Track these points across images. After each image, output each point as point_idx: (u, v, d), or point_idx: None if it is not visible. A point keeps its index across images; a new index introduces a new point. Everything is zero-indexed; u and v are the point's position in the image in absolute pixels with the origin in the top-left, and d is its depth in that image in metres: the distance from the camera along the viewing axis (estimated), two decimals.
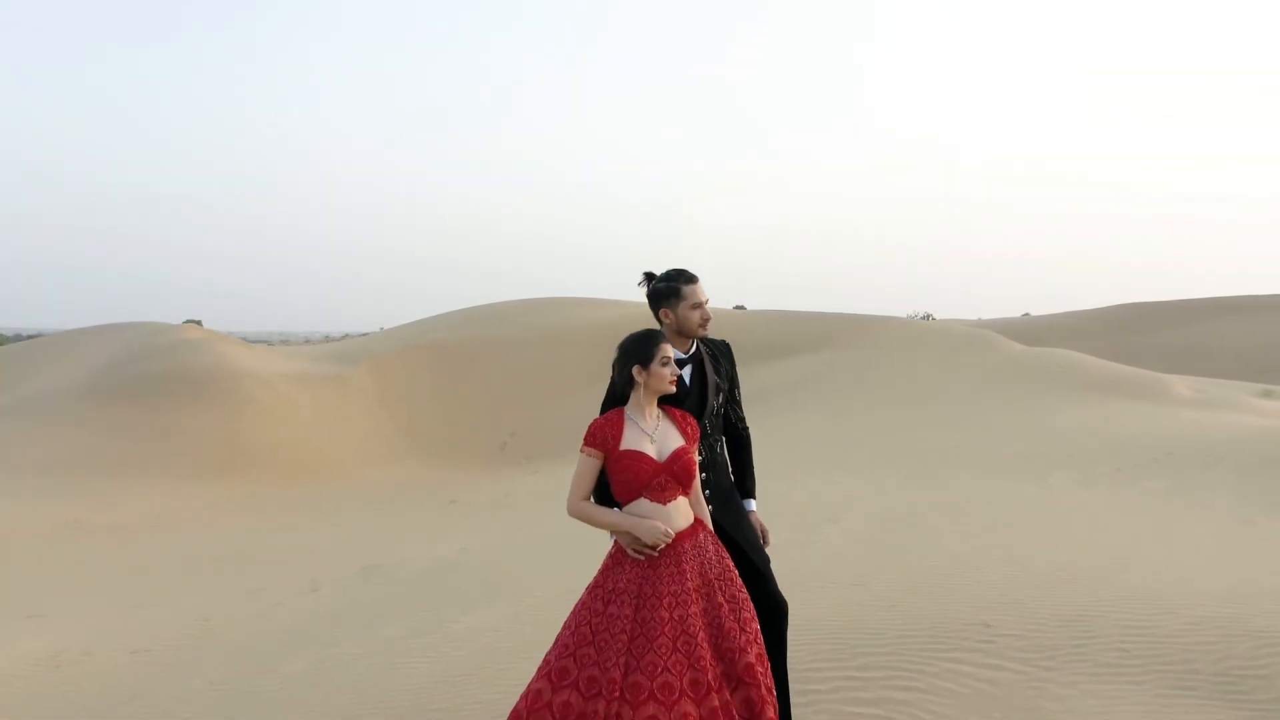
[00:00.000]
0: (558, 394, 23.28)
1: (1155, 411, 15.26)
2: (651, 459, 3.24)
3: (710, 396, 3.64)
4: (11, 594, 10.31)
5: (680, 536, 3.23)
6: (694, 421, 3.43)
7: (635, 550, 3.20)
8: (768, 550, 3.73)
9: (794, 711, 3.84)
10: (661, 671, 3.03)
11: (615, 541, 3.28)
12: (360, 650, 6.36)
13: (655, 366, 3.30)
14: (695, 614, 3.14)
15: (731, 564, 3.35)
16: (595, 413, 3.49)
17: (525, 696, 3.13)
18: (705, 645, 3.11)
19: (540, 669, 3.16)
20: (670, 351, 3.35)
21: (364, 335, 35.95)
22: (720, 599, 3.21)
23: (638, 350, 3.32)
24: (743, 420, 3.85)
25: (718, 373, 3.72)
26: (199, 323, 35.37)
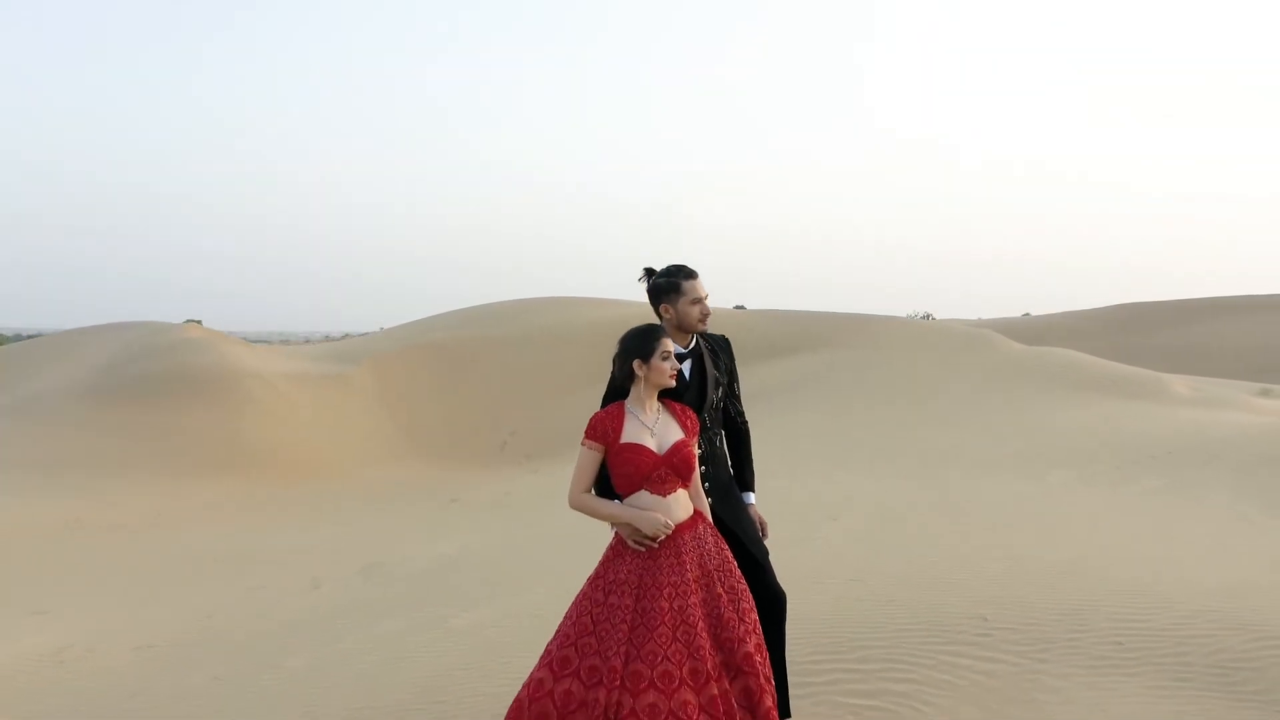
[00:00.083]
0: (558, 393, 23.31)
1: (1154, 410, 15.29)
2: (651, 452, 3.29)
3: (710, 391, 3.70)
4: (14, 592, 10.35)
5: (680, 528, 3.28)
6: (693, 415, 3.48)
7: (635, 542, 3.25)
8: (766, 543, 3.78)
9: (793, 703, 3.88)
10: (661, 660, 3.08)
11: (616, 533, 3.33)
12: (362, 646, 6.41)
13: (655, 361, 3.34)
14: (695, 604, 3.18)
15: (730, 555, 3.40)
16: (595, 411, 3.53)
17: (527, 685, 3.18)
18: (705, 635, 3.16)
19: (542, 658, 3.21)
20: (670, 346, 3.40)
21: (364, 335, 36.00)
22: (719, 590, 3.26)
23: (638, 345, 3.36)
24: (742, 414, 3.90)
25: (717, 367, 3.77)
26: (199, 322, 35.39)
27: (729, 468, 3.81)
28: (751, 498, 3.83)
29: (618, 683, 3.05)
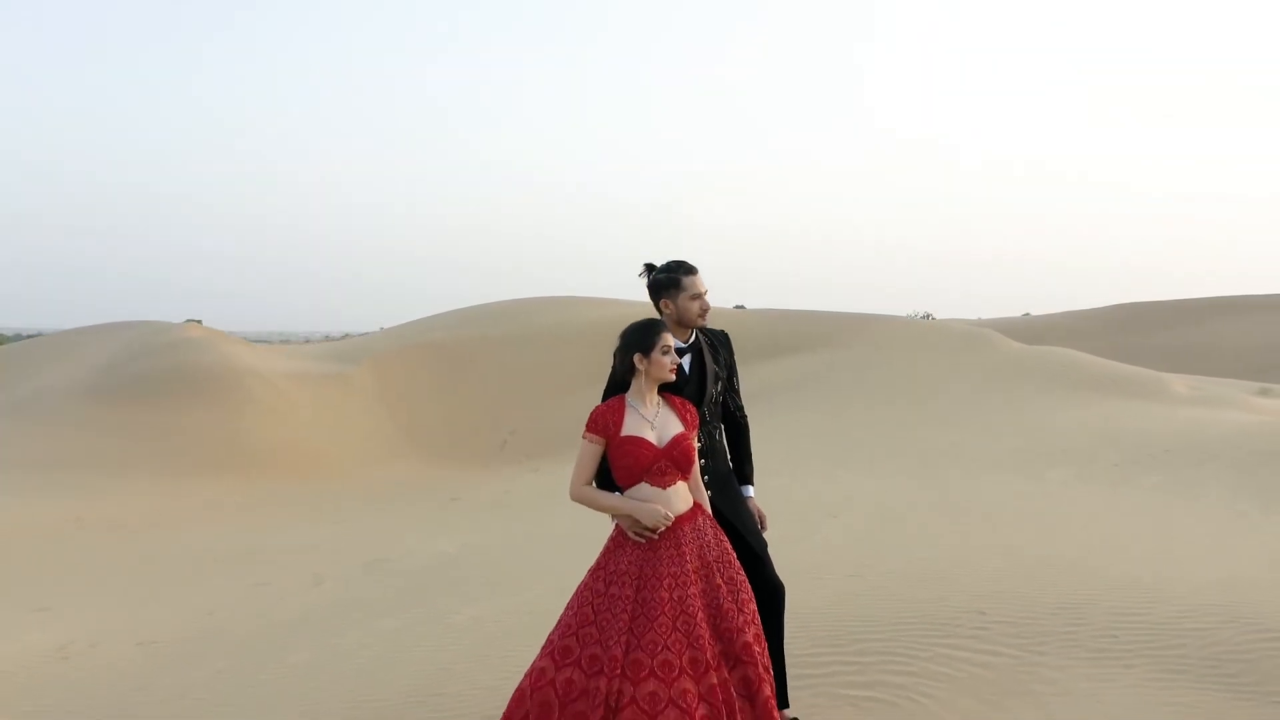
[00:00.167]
0: (558, 393, 23.34)
1: (1153, 409, 15.33)
2: (652, 445, 3.33)
3: (709, 385, 3.74)
4: (16, 590, 10.38)
5: (680, 520, 3.32)
6: (693, 409, 3.52)
7: (636, 533, 3.28)
8: (765, 535, 3.82)
9: (791, 694, 3.93)
10: (662, 649, 3.12)
11: (616, 525, 3.37)
12: (364, 641, 6.45)
13: (656, 355, 3.39)
14: (694, 595, 3.23)
15: (730, 547, 3.44)
16: (596, 405, 3.57)
17: (529, 674, 3.22)
18: (704, 625, 3.20)
19: (544, 648, 3.25)
20: (670, 341, 3.44)
21: (364, 335, 36.04)
22: (719, 580, 3.30)
23: (639, 339, 3.41)
24: (741, 408, 3.94)
25: (716, 362, 3.81)
26: (199, 322, 35.42)
27: (728, 461, 3.85)
28: (750, 491, 3.87)
29: (618, 671, 3.09)
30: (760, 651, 3.28)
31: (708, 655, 3.15)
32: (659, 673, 3.09)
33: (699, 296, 3.75)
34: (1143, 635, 4.63)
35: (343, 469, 19.87)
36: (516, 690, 3.23)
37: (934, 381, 18.51)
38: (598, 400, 3.66)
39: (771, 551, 3.81)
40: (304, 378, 23.01)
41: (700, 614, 3.21)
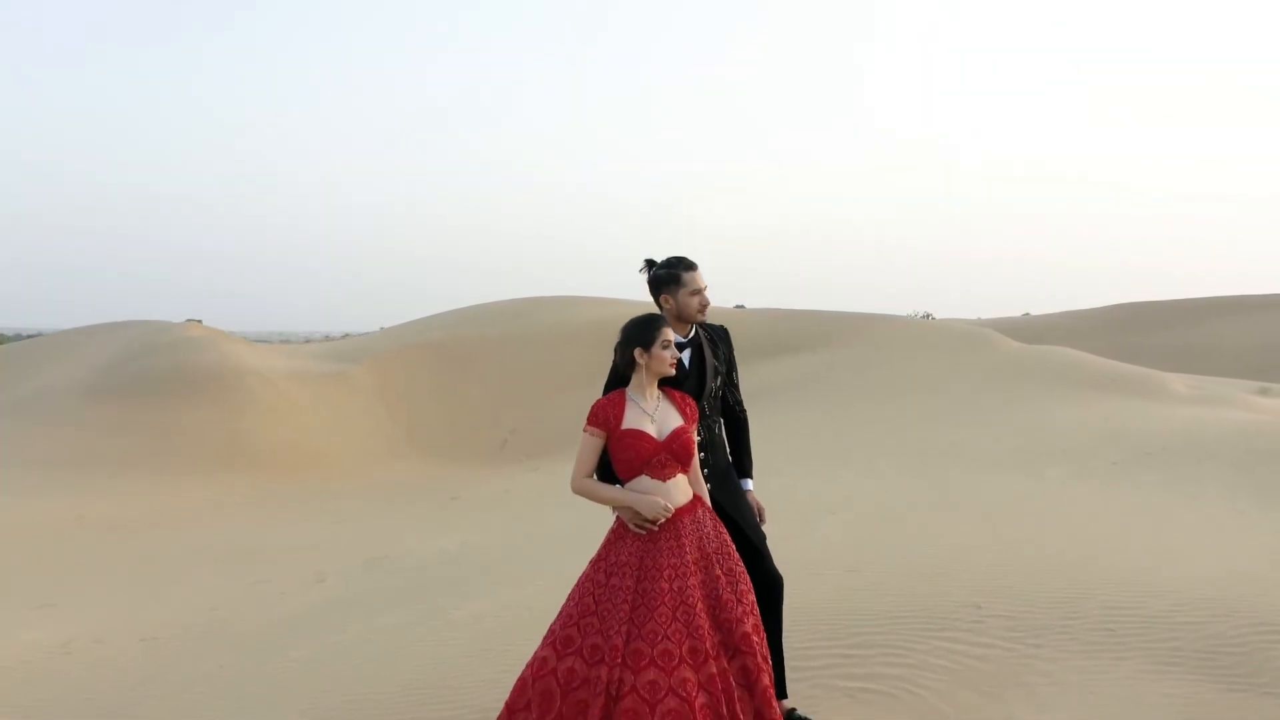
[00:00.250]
0: (558, 392, 23.38)
1: (1152, 408, 15.36)
2: (652, 438, 3.37)
3: (709, 379, 3.78)
4: (21, 587, 10.43)
5: (679, 512, 3.36)
6: (693, 403, 3.56)
7: (636, 525, 3.33)
8: (764, 528, 3.86)
9: (789, 686, 3.97)
10: (662, 639, 3.16)
11: (617, 517, 3.41)
12: (365, 637, 6.49)
13: (656, 349, 3.43)
14: (694, 585, 3.27)
15: (729, 539, 3.49)
16: (597, 399, 3.62)
17: (531, 664, 3.27)
18: (703, 615, 3.24)
19: (546, 638, 3.29)
20: (670, 335, 3.49)
21: (364, 335, 36.07)
22: (718, 572, 3.35)
23: (639, 333, 3.45)
24: (740, 403, 3.99)
25: (716, 356, 3.86)
26: (199, 322, 35.45)
27: (727, 455, 3.90)
28: (750, 484, 3.92)
29: (619, 660, 3.14)
30: (759, 642, 3.33)
31: (707, 645, 3.20)
32: (659, 662, 3.14)
33: (699, 292, 3.80)
34: (1137, 629, 4.68)
35: (343, 468, 19.92)
36: (519, 679, 3.28)
37: (934, 381, 18.55)
38: (598, 399, 3.70)
39: (771, 548, 3.85)
40: (304, 377, 23.05)
41: (700, 604, 3.25)
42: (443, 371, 24.95)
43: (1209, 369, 30.96)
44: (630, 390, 3.46)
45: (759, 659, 3.28)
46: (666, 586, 3.24)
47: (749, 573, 3.51)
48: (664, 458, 3.37)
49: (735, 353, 4.04)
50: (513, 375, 24.63)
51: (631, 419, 3.39)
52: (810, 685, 4.15)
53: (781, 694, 3.73)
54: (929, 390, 17.90)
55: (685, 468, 3.43)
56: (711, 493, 3.66)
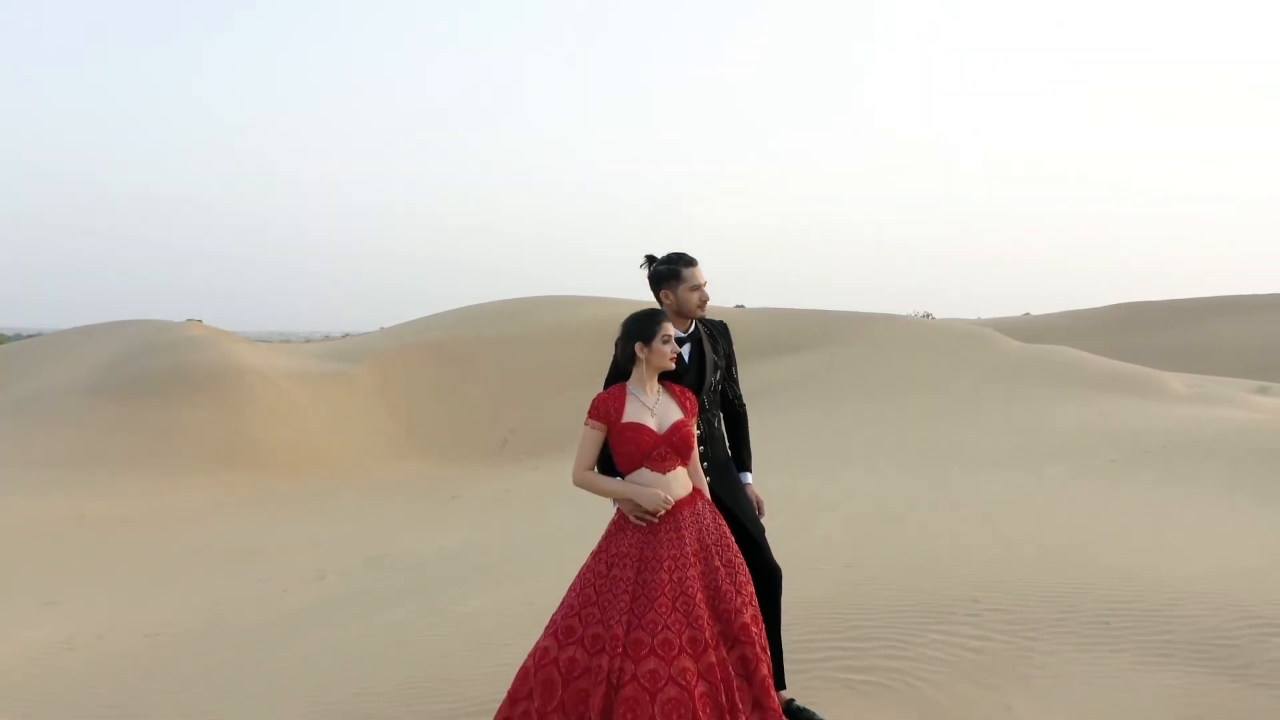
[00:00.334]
0: (558, 392, 23.42)
1: (1151, 407, 15.40)
2: (652, 431, 3.42)
3: (708, 373, 3.83)
4: (23, 584, 10.47)
5: (679, 504, 3.40)
6: (692, 397, 3.60)
7: (637, 517, 3.37)
8: (763, 520, 3.90)
9: (788, 678, 4.01)
10: (662, 629, 3.21)
11: (617, 509, 3.45)
12: (367, 632, 6.53)
13: (656, 344, 3.48)
14: (693, 576, 3.31)
15: (728, 531, 3.53)
16: (598, 393, 3.66)
17: (533, 654, 3.31)
18: (703, 605, 3.29)
19: (547, 628, 3.34)
20: (671, 330, 3.53)
21: (364, 335, 36.11)
22: (717, 563, 3.39)
23: (640, 328, 3.49)
24: (739, 397, 4.03)
25: (715, 351, 3.90)
26: (200, 322, 35.46)
27: (726, 448, 3.94)
28: (749, 477, 3.96)
29: (620, 650, 3.18)
30: (758, 632, 3.37)
31: (706, 635, 3.24)
32: (659, 651, 3.18)
33: (698, 288, 3.84)
34: (1133, 622, 4.72)
35: (344, 467, 19.96)
36: (521, 668, 3.32)
37: (934, 380, 18.59)
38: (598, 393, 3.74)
39: (771, 544, 3.90)
40: (305, 376, 23.10)
41: (699, 595, 3.30)
42: (443, 371, 25.00)
43: (1209, 369, 31.00)
44: (631, 384, 3.50)
45: (757, 649, 3.32)
46: (666, 577, 3.29)
47: (748, 564, 3.55)
48: (664, 450, 3.41)
49: (735, 349, 4.08)
50: (513, 375, 24.67)
51: (632, 412, 3.43)
52: (809, 677, 4.19)
53: (780, 685, 3.77)
54: (929, 389, 17.94)
55: (685, 461, 3.47)
56: (711, 486, 3.70)
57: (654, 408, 3.47)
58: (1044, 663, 4.28)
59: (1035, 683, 4.08)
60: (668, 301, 3.84)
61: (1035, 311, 56.16)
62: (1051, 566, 5.89)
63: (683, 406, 3.52)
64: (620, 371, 3.55)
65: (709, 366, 3.84)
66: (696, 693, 3.15)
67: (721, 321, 4.04)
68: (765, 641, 3.40)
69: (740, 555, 3.50)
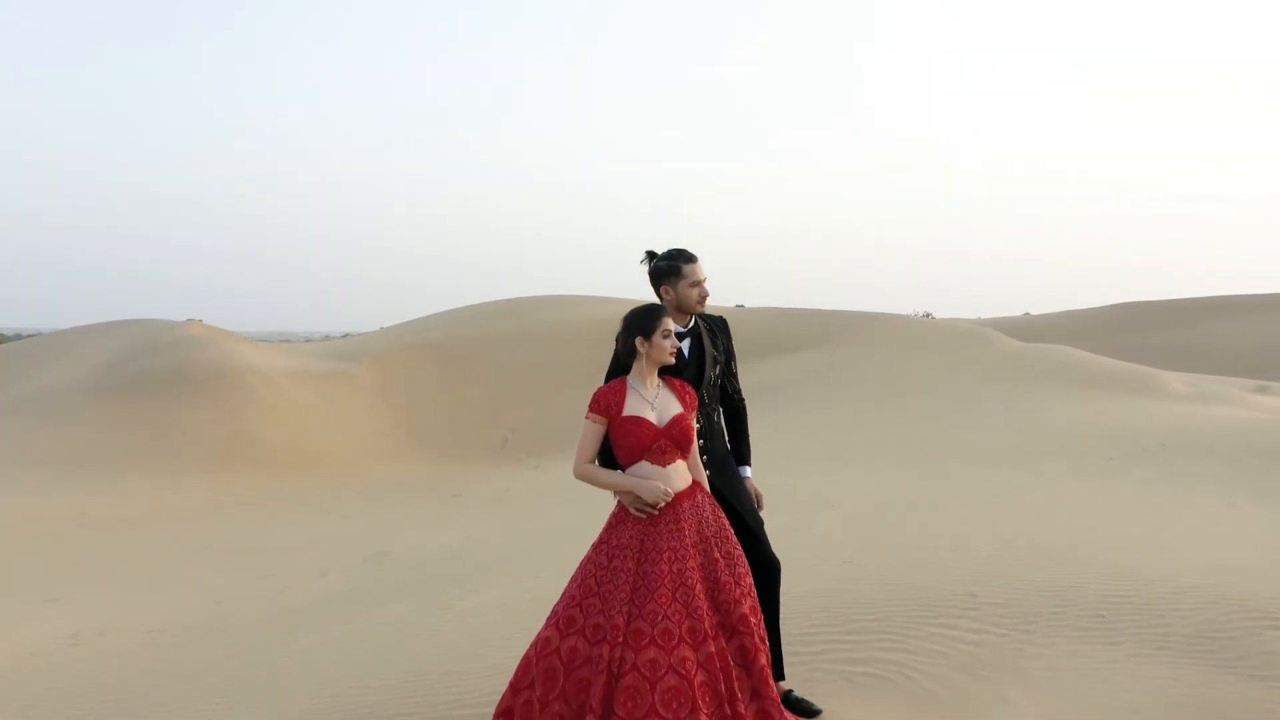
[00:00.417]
0: (558, 391, 23.46)
1: (1150, 406, 15.44)
2: (652, 424, 3.46)
3: (708, 368, 3.87)
4: (26, 583, 10.51)
5: (679, 497, 3.45)
6: (692, 391, 3.65)
7: (637, 509, 3.41)
8: (761, 514, 3.95)
9: (787, 670, 4.05)
10: (662, 619, 3.25)
11: (618, 501, 3.50)
12: (370, 626, 6.58)
13: (656, 339, 3.52)
14: (693, 568, 3.36)
15: (727, 523, 3.57)
16: (599, 387, 3.70)
17: (535, 644, 3.36)
18: (702, 596, 3.33)
19: (549, 618, 3.38)
20: (671, 325, 3.58)
21: (364, 334, 36.15)
22: (716, 555, 3.43)
23: (640, 323, 3.54)
24: (739, 392, 4.07)
25: (715, 346, 3.95)
26: (200, 322, 35.47)
27: (726, 442, 3.98)
28: (748, 471, 4.00)
29: (620, 639, 3.23)
30: (756, 623, 3.42)
31: (706, 625, 3.29)
32: (659, 641, 3.22)
33: (698, 284, 3.89)
34: (1129, 615, 4.77)
35: (344, 466, 20.00)
36: (523, 658, 3.37)
37: (933, 379, 18.63)
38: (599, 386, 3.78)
39: (771, 542, 3.94)
40: (306, 376, 23.14)
41: (699, 586, 3.34)
42: (443, 371, 25.04)
43: (1208, 368, 31.04)
44: (631, 378, 3.55)
45: (756, 639, 3.37)
46: (666, 569, 3.33)
47: (747, 557, 3.60)
48: (664, 444, 3.45)
49: (735, 346, 4.12)
50: (512, 374, 24.71)
51: (632, 406, 3.48)
52: (807, 669, 4.23)
53: (779, 676, 3.81)
54: (928, 389, 17.98)
55: (685, 454, 3.51)
56: (710, 479, 3.74)
57: (654, 401, 3.51)
58: (1040, 655, 4.32)
59: (1031, 675, 4.13)
60: (668, 297, 3.88)
61: (1035, 311, 56.22)
62: (1049, 562, 5.93)
63: (682, 401, 3.57)
64: (621, 366, 3.60)
65: (708, 361, 3.88)
66: (696, 681, 3.20)
67: (721, 317, 4.08)
68: (764, 632, 3.44)
69: (739, 547, 3.54)
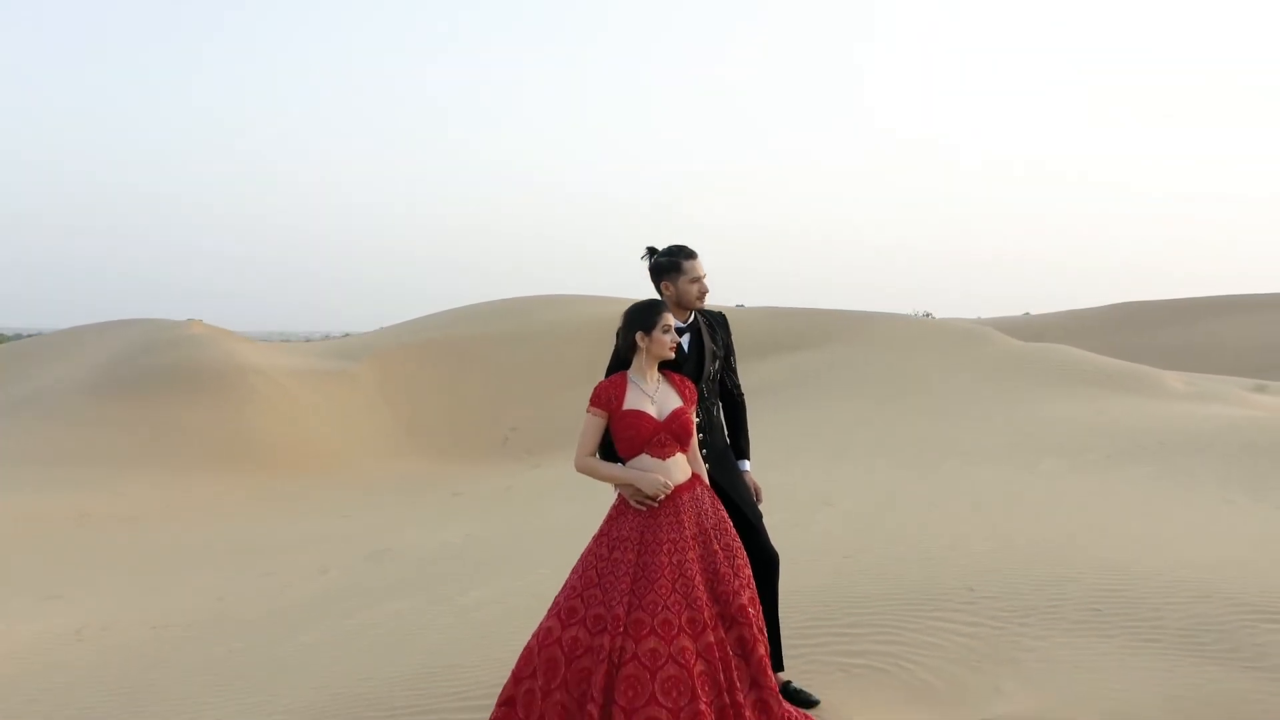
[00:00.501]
0: (558, 390, 23.52)
1: (1148, 404, 15.49)
2: (652, 418, 3.51)
3: (707, 363, 3.93)
4: (28, 580, 10.56)
5: (678, 489, 3.50)
6: (692, 385, 3.70)
7: (637, 501, 3.47)
8: (760, 507, 4.00)
9: (785, 662, 4.10)
10: (662, 610, 3.31)
11: (619, 494, 3.55)
12: (372, 621, 6.63)
13: (657, 333, 3.57)
14: (692, 559, 3.41)
15: (726, 516, 3.63)
16: (599, 381, 3.75)
17: (536, 634, 3.41)
18: (702, 587, 3.39)
19: (550, 609, 3.44)
20: (671, 320, 3.63)
21: (365, 334, 36.20)
22: (715, 546, 3.49)
23: (641, 318, 3.59)
24: (738, 387, 4.13)
25: (715, 342, 4.00)
26: (200, 321, 35.51)
27: (725, 436, 4.04)
28: (747, 465, 4.05)
29: (621, 630, 3.28)
30: (755, 614, 3.47)
31: (705, 616, 3.34)
32: (659, 631, 3.28)
33: (698, 280, 3.95)
34: (1124, 609, 4.82)
35: (345, 464, 20.06)
36: (525, 648, 3.42)
37: (932, 378, 18.67)
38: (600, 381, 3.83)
39: (771, 539, 3.99)
40: (307, 374, 23.19)
41: (698, 577, 3.39)
42: (444, 369, 25.09)
43: (1208, 368, 31.07)
44: (631, 373, 3.60)
45: (755, 630, 3.42)
46: (666, 560, 3.38)
47: (746, 549, 3.65)
48: (664, 437, 3.50)
49: (734, 343, 4.17)
50: (513, 373, 24.77)
51: (632, 400, 3.53)
52: (805, 661, 4.28)
53: (778, 667, 3.87)
54: (927, 387, 18.03)
55: (684, 447, 3.56)
56: (710, 472, 3.80)
57: (654, 395, 3.56)
58: (1034, 647, 4.37)
59: (1025, 666, 4.18)
60: (668, 293, 3.94)
61: (1035, 311, 56.26)
62: (1045, 557, 5.98)
63: (682, 395, 3.62)
64: (621, 360, 3.65)
65: (708, 356, 3.94)
66: (695, 671, 3.25)
67: (721, 313, 4.14)
68: (763, 623, 3.50)
69: (738, 540, 3.60)
